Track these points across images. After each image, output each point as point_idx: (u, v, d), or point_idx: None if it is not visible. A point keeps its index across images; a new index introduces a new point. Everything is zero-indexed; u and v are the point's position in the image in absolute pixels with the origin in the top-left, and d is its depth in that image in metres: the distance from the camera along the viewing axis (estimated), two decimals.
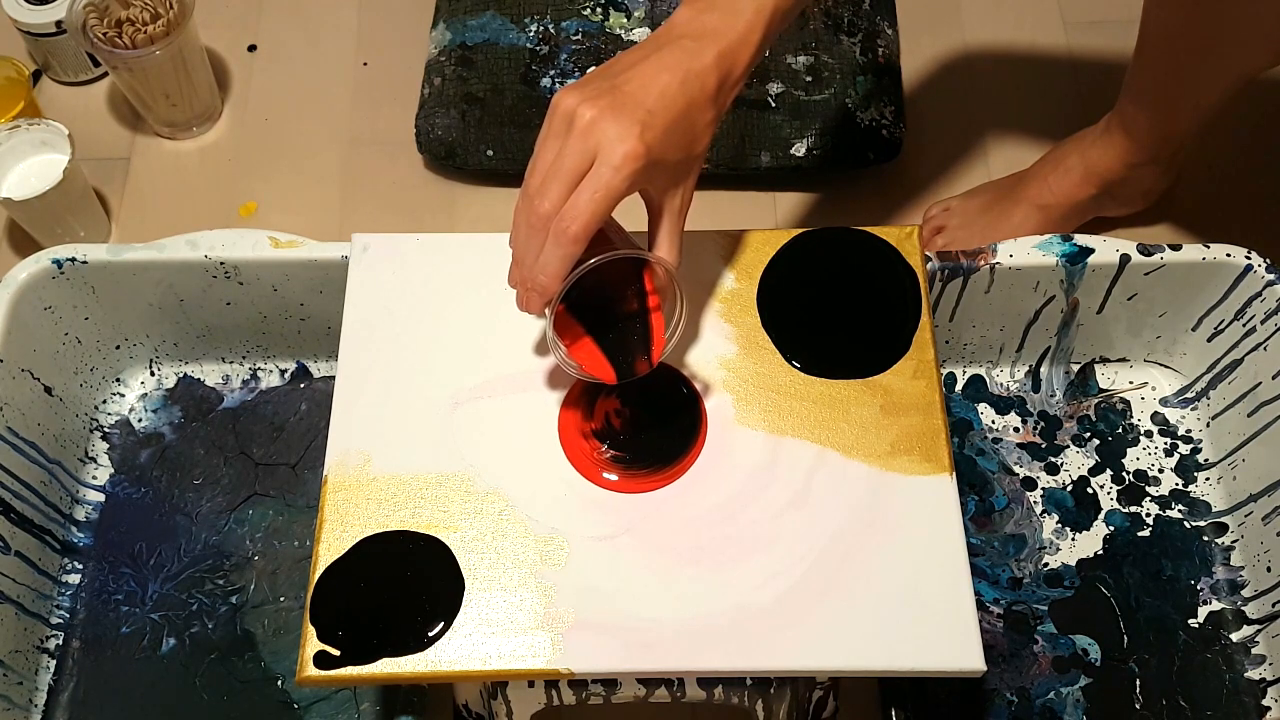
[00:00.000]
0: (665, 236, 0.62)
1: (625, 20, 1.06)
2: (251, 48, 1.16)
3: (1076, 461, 0.90)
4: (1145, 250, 0.84)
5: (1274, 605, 0.82)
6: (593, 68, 1.04)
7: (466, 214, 1.07)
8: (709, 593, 0.62)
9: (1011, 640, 0.84)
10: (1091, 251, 0.84)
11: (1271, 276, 0.82)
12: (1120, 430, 0.91)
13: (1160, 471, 0.90)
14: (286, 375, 0.94)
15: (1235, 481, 0.87)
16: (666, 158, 0.58)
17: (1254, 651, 0.83)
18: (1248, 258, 0.83)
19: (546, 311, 0.61)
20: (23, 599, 0.82)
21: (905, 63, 1.11)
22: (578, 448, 0.67)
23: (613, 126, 0.56)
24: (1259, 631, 0.83)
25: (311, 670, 0.60)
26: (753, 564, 0.63)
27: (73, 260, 0.83)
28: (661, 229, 0.62)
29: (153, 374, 0.94)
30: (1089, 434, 0.91)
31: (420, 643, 0.61)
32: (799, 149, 1.03)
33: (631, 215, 0.63)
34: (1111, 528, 0.88)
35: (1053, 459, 0.90)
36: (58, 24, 1.07)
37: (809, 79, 1.04)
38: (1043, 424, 0.92)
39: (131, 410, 0.93)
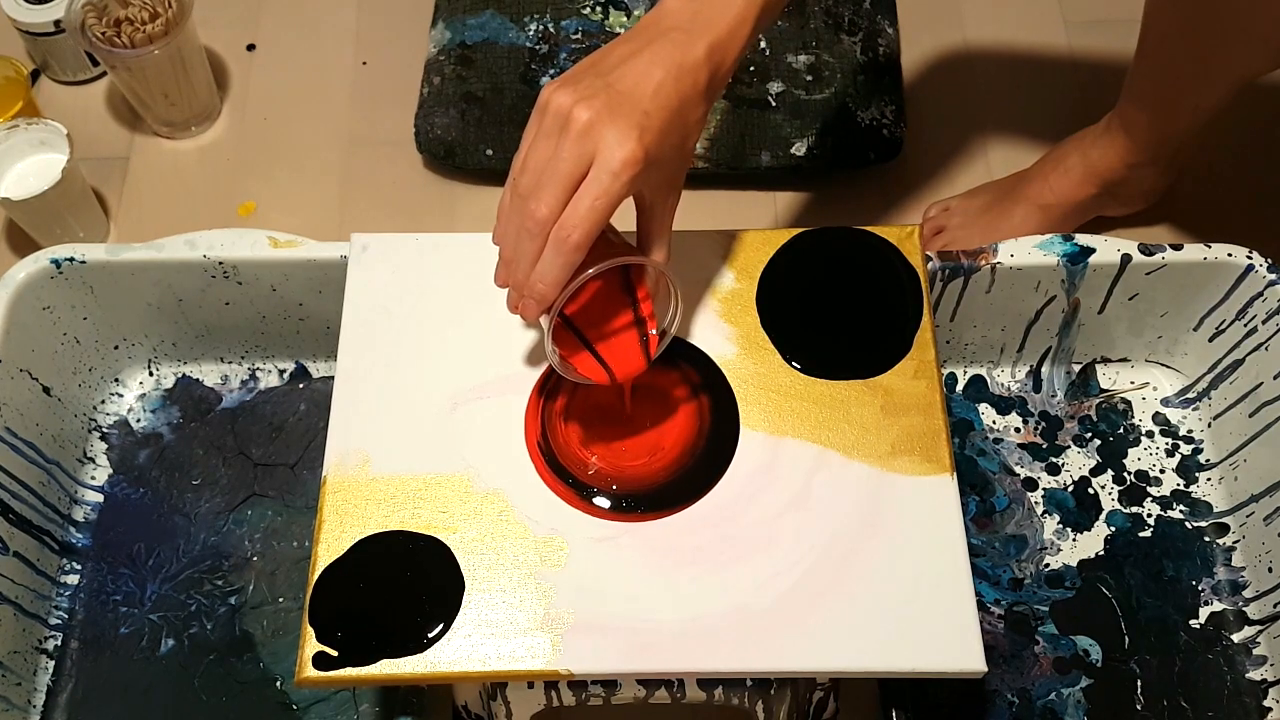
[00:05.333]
0: (657, 236, 0.62)
1: (625, 19, 1.06)
2: (250, 47, 1.16)
3: (1077, 462, 0.90)
4: (1146, 250, 0.84)
5: (1275, 606, 0.82)
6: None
7: (466, 214, 1.07)
8: (709, 593, 0.62)
9: (1012, 641, 0.83)
10: (1093, 251, 0.83)
11: (1273, 276, 0.82)
12: (1121, 430, 0.91)
13: (1161, 472, 0.90)
14: (285, 375, 0.94)
15: (1237, 482, 0.87)
16: (661, 158, 0.58)
17: (1255, 652, 0.83)
18: (1249, 258, 0.83)
19: (544, 320, 0.60)
20: (21, 600, 0.82)
21: (906, 62, 1.11)
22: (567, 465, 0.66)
23: (611, 131, 0.55)
24: (1260, 632, 0.83)
25: (310, 671, 0.60)
26: (753, 565, 0.63)
27: (71, 260, 0.83)
28: (653, 228, 0.62)
29: (151, 374, 0.93)
30: (1090, 434, 0.91)
31: (419, 643, 0.60)
32: (799, 148, 1.03)
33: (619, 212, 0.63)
34: (1112, 528, 0.87)
35: (1054, 459, 0.90)
36: (56, 23, 1.07)
37: (809, 78, 1.03)
38: (1044, 424, 0.91)
39: (130, 410, 0.92)
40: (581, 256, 0.57)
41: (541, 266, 0.57)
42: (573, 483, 0.65)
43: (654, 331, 0.64)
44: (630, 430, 0.68)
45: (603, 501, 0.65)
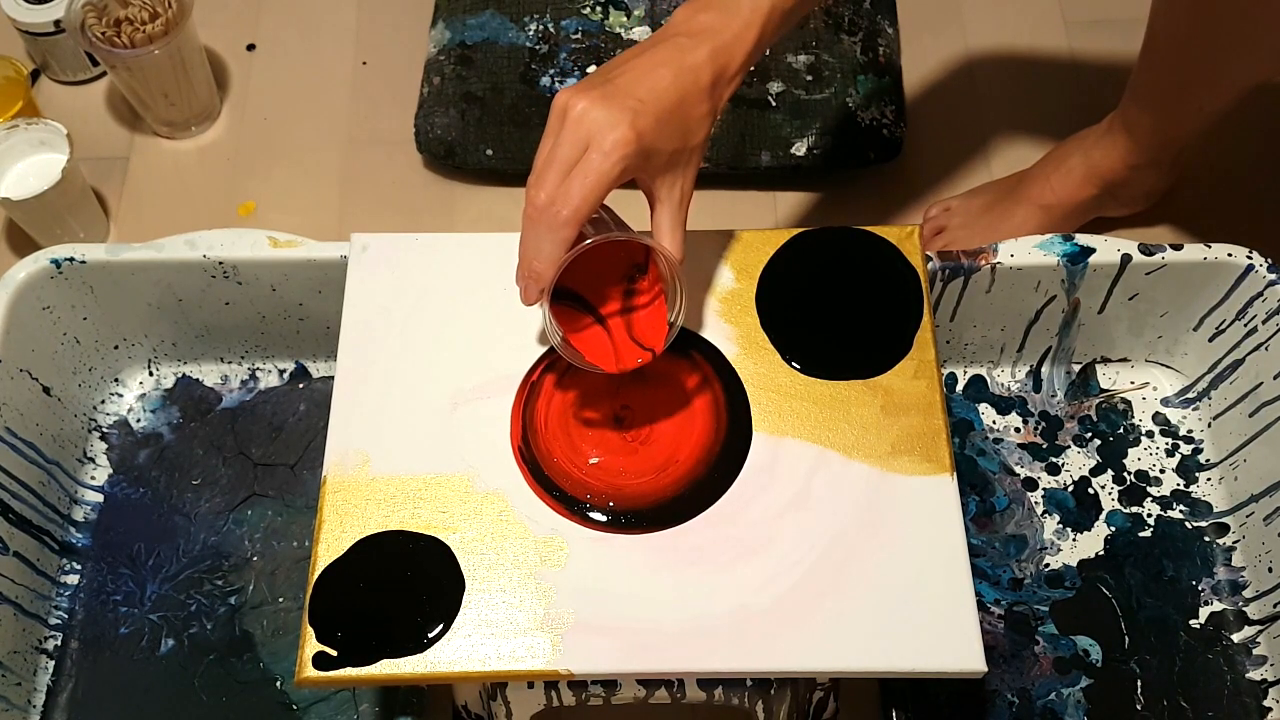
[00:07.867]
0: (666, 227, 0.63)
1: (625, 19, 1.06)
2: (250, 47, 1.16)
3: (1077, 462, 0.90)
4: (1147, 250, 0.84)
5: (1275, 606, 0.82)
6: (592, 66, 1.04)
7: (466, 213, 1.07)
8: (709, 593, 0.62)
9: (1012, 641, 0.83)
10: (1093, 251, 0.83)
11: (1273, 276, 0.82)
12: (1121, 430, 0.91)
13: (1161, 472, 0.90)
14: (285, 375, 0.94)
15: (1236, 482, 0.87)
16: (659, 146, 0.59)
17: (1255, 652, 0.83)
18: (1249, 258, 0.83)
19: (543, 304, 0.61)
20: (21, 600, 0.81)
21: (906, 62, 1.11)
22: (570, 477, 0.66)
23: (603, 114, 0.57)
24: (1260, 632, 0.83)
25: (310, 671, 0.60)
26: (753, 565, 0.63)
27: (71, 260, 0.83)
28: (661, 220, 0.63)
29: (151, 374, 0.93)
30: (1090, 434, 0.91)
31: (419, 644, 0.60)
32: (799, 148, 1.03)
33: (635, 212, 0.63)
34: (1112, 528, 0.87)
35: (1054, 459, 0.90)
36: (56, 23, 1.07)
37: (809, 78, 1.03)
38: (1044, 424, 0.91)
39: (130, 410, 0.92)
40: (571, 232, 0.58)
41: (536, 244, 0.59)
42: (559, 495, 0.65)
43: (665, 324, 0.64)
44: (640, 443, 0.68)
45: (599, 517, 0.65)
